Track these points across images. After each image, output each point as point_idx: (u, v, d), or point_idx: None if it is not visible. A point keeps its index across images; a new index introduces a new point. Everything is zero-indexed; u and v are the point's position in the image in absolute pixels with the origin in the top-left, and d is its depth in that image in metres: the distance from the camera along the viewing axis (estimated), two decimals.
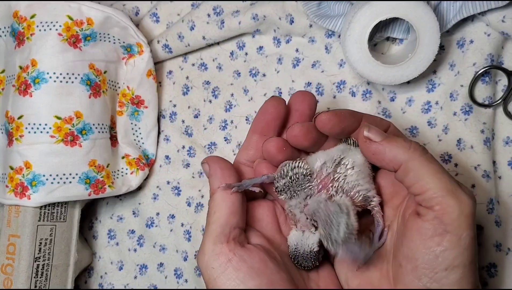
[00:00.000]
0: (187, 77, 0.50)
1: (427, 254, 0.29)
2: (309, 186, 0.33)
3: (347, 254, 0.30)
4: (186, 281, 0.48)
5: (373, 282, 0.33)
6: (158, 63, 0.51)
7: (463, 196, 0.29)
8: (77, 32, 0.43)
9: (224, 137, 0.49)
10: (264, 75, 0.48)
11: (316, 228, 0.33)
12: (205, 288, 0.46)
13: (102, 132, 0.45)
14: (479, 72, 0.41)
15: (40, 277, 0.43)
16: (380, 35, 0.44)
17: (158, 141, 0.50)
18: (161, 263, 0.49)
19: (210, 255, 0.31)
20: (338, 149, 0.34)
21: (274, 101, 0.35)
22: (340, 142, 0.35)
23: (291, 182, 0.33)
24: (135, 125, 0.49)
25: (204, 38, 0.48)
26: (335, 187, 0.33)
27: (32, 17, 0.43)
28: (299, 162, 0.33)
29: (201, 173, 0.49)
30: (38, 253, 0.43)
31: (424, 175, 0.29)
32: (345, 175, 0.33)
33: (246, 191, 0.34)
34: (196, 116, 0.50)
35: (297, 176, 0.33)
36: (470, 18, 0.42)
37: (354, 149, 0.34)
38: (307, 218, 0.33)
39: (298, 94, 0.35)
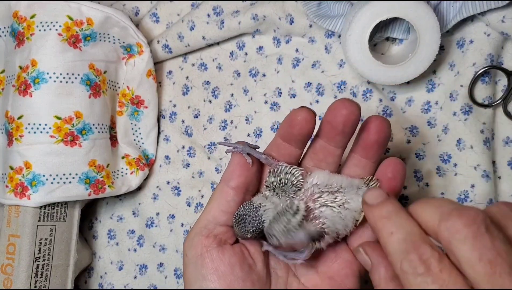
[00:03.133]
0: (187, 77, 0.50)
1: None
2: (292, 196, 0.32)
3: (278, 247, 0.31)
4: None
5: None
6: (158, 63, 0.51)
7: None
8: (77, 32, 0.43)
9: (224, 137, 0.49)
10: (264, 75, 0.48)
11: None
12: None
13: (102, 132, 0.45)
14: (479, 72, 0.41)
15: (40, 277, 0.43)
16: (380, 35, 0.44)
17: (158, 141, 0.50)
18: (161, 263, 0.49)
19: (189, 243, 0.33)
20: (346, 181, 0.33)
21: (301, 115, 0.32)
22: (361, 177, 0.33)
23: (279, 184, 0.33)
24: (135, 125, 0.49)
25: (204, 38, 0.48)
26: (311, 208, 0.31)
27: (32, 17, 0.43)
28: (295, 171, 0.33)
29: (201, 173, 0.49)
30: (38, 253, 0.43)
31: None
32: (326, 207, 0.31)
33: (248, 191, 0.34)
34: (196, 116, 0.50)
35: (287, 182, 0.32)
36: (470, 18, 0.42)
37: (363, 189, 0.32)
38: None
39: (337, 104, 0.32)
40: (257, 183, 0.34)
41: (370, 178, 0.33)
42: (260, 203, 0.32)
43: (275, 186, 0.33)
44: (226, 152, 0.34)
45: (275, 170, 0.33)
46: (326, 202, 0.31)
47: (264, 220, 0.32)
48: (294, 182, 0.32)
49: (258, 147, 0.34)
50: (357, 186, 0.32)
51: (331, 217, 0.31)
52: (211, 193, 0.35)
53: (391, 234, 0.26)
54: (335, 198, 0.31)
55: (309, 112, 0.32)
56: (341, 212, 0.31)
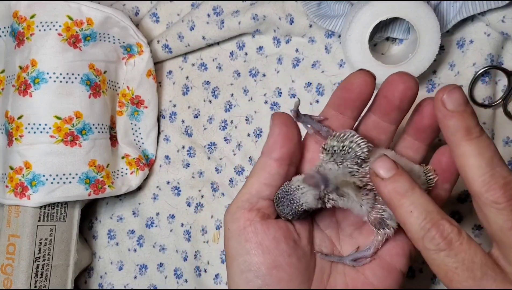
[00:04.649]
0: (187, 77, 0.50)
1: None
2: (352, 169, 0.30)
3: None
4: (186, 281, 0.48)
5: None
6: (158, 63, 0.51)
7: None
8: (77, 32, 0.43)
9: (224, 137, 0.49)
10: (264, 75, 0.48)
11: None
12: (206, 288, 0.46)
13: (102, 132, 0.45)
14: (479, 72, 0.41)
15: (40, 277, 0.43)
16: (380, 35, 0.44)
17: (158, 141, 0.50)
18: (161, 263, 0.49)
19: (230, 216, 0.32)
20: (409, 166, 0.31)
21: (361, 77, 0.30)
22: (420, 164, 0.32)
23: (340, 150, 0.30)
24: (135, 125, 0.49)
25: (204, 38, 0.48)
26: (369, 188, 0.30)
27: (32, 17, 0.43)
28: (362, 141, 0.30)
29: (201, 173, 0.49)
30: (38, 253, 0.43)
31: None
32: None
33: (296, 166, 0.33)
34: (196, 116, 0.50)
35: (350, 150, 0.30)
36: (470, 18, 0.42)
37: (422, 179, 0.31)
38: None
39: (394, 78, 0.30)
40: (299, 154, 0.33)
41: (428, 169, 0.32)
42: (298, 186, 0.30)
43: (334, 151, 0.30)
44: (290, 111, 0.32)
45: (341, 134, 0.30)
46: None
47: (302, 203, 0.30)
48: (358, 153, 0.30)
49: (319, 118, 0.32)
50: (417, 173, 0.31)
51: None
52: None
53: (410, 213, 0.27)
54: None
55: (368, 74, 0.30)
56: None
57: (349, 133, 0.30)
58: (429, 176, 0.32)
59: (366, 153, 0.30)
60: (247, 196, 0.32)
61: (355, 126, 0.33)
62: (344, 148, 0.30)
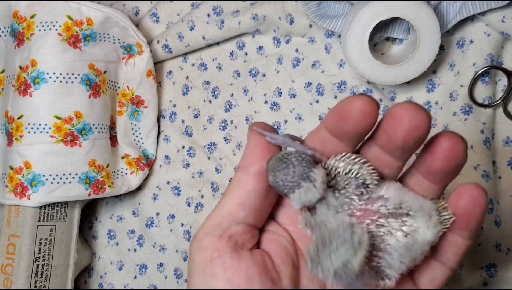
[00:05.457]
0: (187, 77, 0.50)
1: None
2: (353, 199, 0.24)
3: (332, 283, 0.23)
4: (186, 281, 0.48)
5: None
6: (158, 63, 0.51)
7: None
8: (77, 32, 0.43)
9: (224, 137, 0.49)
10: (264, 75, 0.48)
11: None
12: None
13: (102, 132, 0.45)
14: (479, 72, 0.41)
15: (40, 277, 0.43)
16: (380, 35, 0.44)
17: (158, 141, 0.50)
18: (161, 263, 0.49)
19: (197, 244, 0.26)
20: (418, 202, 0.24)
21: (358, 106, 0.23)
22: (432, 200, 0.25)
23: (344, 174, 0.24)
24: (135, 125, 0.49)
25: (204, 38, 0.48)
26: (370, 227, 0.24)
27: (32, 17, 0.43)
28: (373, 170, 0.25)
29: (201, 173, 0.49)
30: (38, 253, 0.43)
31: None
32: (391, 235, 0.24)
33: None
34: (196, 116, 0.50)
35: (359, 176, 0.24)
36: (470, 18, 0.42)
37: (434, 219, 0.24)
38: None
39: (398, 111, 0.23)
40: None
41: (443, 206, 0.25)
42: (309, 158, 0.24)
43: (337, 173, 0.25)
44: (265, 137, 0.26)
45: (350, 156, 0.25)
46: (392, 229, 0.24)
47: (314, 179, 0.24)
48: (368, 182, 0.24)
49: (301, 139, 0.26)
50: (429, 212, 0.24)
51: (395, 249, 0.24)
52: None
53: None
54: (404, 223, 0.24)
55: (370, 102, 0.23)
56: (409, 243, 0.24)
57: (359, 157, 0.25)
58: (444, 215, 0.25)
59: (376, 183, 0.25)
60: (218, 219, 0.26)
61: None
62: (352, 172, 0.24)
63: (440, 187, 0.26)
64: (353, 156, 0.25)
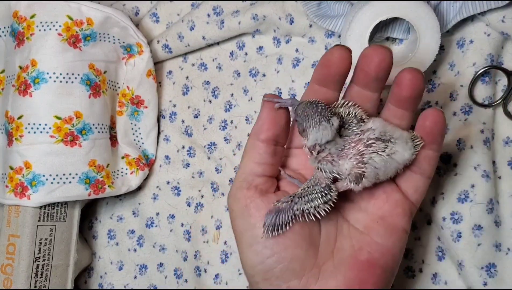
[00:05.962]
0: (187, 77, 0.50)
1: None
2: (355, 131, 0.32)
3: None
4: (186, 281, 0.48)
5: None
6: (158, 63, 0.51)
7: None
8: (77, 32, 0.43)
9: (224, 137, 0.49)
10: (264, 75, 0.48)
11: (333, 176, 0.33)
12: (206, 288, 0.46)
13: (102, 132, 0.45)
14: (479, 72, 0.41)
15: (40, 277, 0.43)
16: (380, 35, 0.44)
17: (158, 141, 0.50)
18: (161, 263, 0.49)
19: (232, 198, 0.34)
20: (398, 132, 0.33)
21: (337, 53, 0.32)
22: (409, 131, 0.34)
23: (347, 116, 0.33)
24: (135, 125, 0.49)
25: (204, 38, 0.48)
26: (362, 152, 0.32)
27: (32, 17, 0.43)
28: (360, 108, 0.33)
29: (201, 173, 0.49)
30: (38, 253, 0.43)
31: None
32: (377, 154, 0.32)
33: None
34: (196, 116, 0.50)
35: (356, 114, 0.33)
36: (470, 18, 0.42)
37: (409, 144, 0.33)
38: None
39: (369, 52, 0.32)
40: (285, 136, 0.35)
41: (414, 135, 0.33)
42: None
43: (341, 116, 0.33)
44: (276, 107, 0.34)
45: (346, 102, 0.33)
46: (377, 150, 0.32)
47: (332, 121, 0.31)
48: (363, 118, 0.33)
49: (302, 101, 0.34)
50: (405, 139, 0.33)
51: (378, 165, 0.32)
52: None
53: None
54: (386, 147, 0.32)
55: (344, 49, 0.32)
56: (388, 161, 0.32)
57: (349, 101, 0.33)
58: (416, 141, 0.33)
59: (367, 117, 0.33)
60: (243, 176, 0.34)
61: (340, 97, 0.35)
62: (350, 113, 0.33)
63: (410, 112, 0.34)
64: (346, 102, 0.33)
